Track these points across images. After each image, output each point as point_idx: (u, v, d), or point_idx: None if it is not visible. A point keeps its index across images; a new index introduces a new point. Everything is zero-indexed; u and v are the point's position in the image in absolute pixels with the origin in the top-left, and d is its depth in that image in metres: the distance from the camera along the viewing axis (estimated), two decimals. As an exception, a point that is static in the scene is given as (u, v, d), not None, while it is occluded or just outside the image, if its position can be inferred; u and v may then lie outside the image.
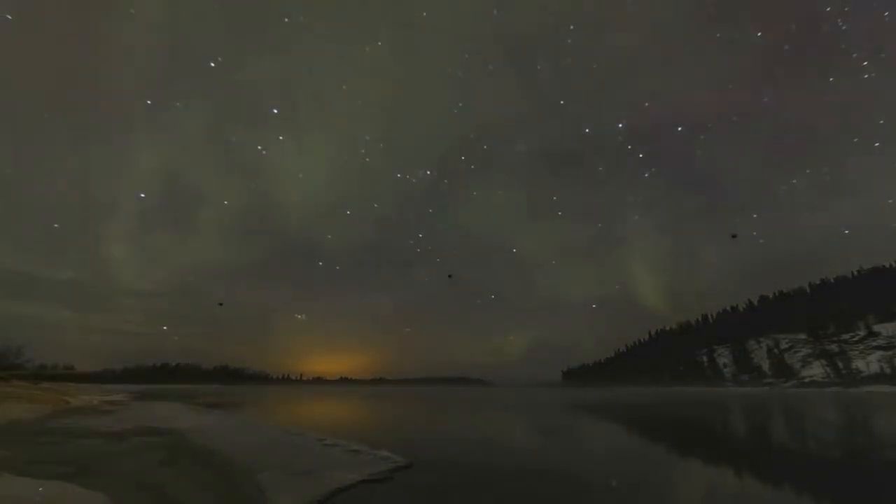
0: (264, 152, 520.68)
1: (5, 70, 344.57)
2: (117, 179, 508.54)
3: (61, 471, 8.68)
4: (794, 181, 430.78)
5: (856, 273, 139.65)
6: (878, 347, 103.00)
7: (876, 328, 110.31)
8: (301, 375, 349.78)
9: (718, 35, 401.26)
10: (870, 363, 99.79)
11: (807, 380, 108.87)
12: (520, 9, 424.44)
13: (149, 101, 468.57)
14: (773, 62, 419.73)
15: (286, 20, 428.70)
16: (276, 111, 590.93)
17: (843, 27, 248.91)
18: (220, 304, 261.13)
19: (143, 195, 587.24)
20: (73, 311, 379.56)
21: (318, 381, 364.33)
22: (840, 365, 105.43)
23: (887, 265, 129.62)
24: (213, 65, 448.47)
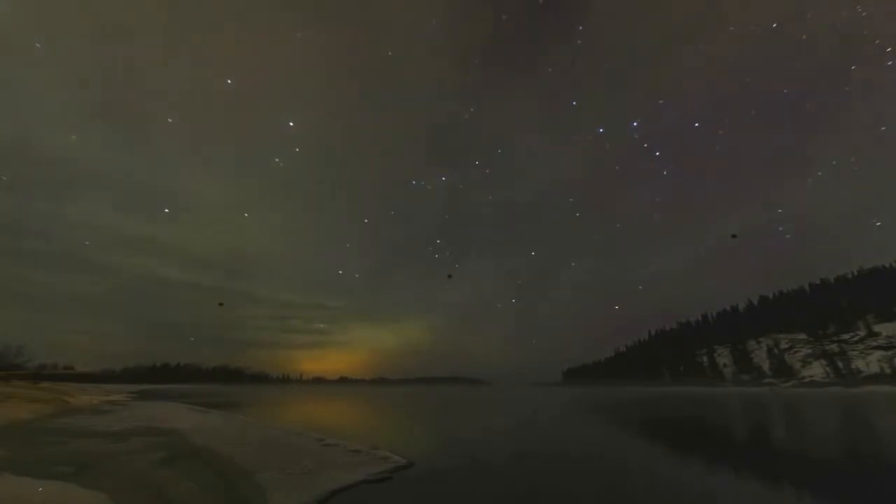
0: (281, 164, 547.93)
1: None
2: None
3: (61, 471, 8.68)
4: (820, 174, 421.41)
5: (856, 273, 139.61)
6: (878, 347, 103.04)
7: (876, 328, 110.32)
8: (301, 375, 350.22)
9: (731, 28, 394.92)
10: (870, 363, 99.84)
11: (807, 380, 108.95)
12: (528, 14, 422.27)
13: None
14: (791, 53, 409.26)
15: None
16: (291, 123, 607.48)
17: (863, 13, 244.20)
18: (221, 304, 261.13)
19: (167, 210, 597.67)
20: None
21: (318, 381, 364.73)
22: (840, 365, 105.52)
23: (887, 265, 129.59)
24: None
